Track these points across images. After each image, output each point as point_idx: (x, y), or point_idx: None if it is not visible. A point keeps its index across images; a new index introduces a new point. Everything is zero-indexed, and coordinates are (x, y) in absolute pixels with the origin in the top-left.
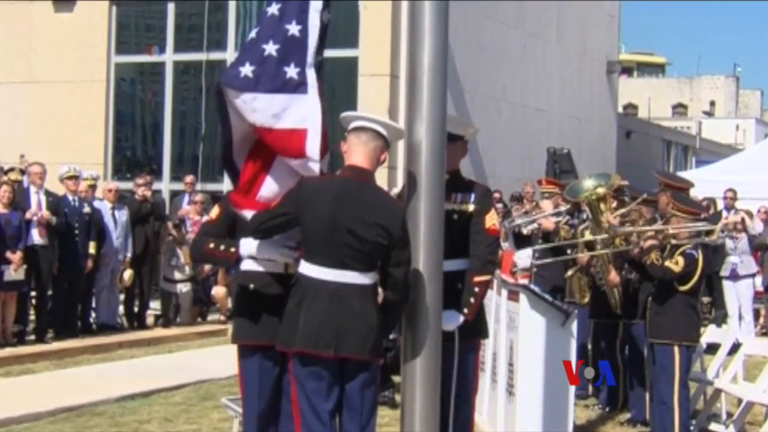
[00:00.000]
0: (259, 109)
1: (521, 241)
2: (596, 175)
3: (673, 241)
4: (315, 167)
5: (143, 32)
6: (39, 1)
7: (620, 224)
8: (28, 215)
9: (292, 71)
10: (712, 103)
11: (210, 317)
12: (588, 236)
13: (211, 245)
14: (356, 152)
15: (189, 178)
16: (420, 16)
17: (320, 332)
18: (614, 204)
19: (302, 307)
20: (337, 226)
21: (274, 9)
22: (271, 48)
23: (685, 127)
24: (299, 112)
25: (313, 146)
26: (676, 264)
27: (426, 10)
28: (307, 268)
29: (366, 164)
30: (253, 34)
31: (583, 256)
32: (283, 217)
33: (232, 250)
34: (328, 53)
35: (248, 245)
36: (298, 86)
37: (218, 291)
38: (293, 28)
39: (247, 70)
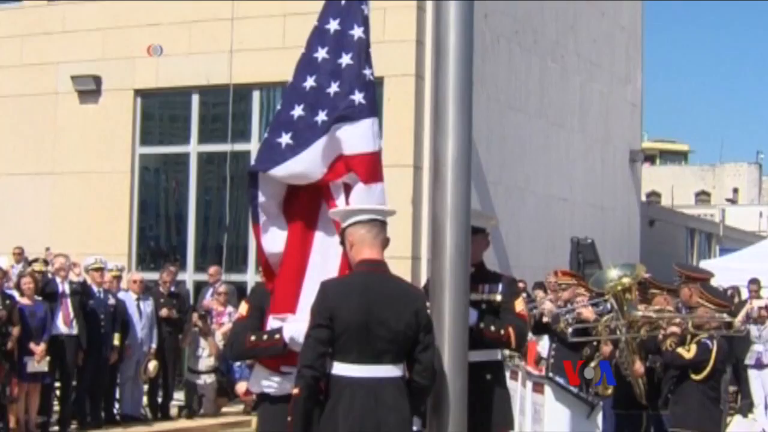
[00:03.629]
0: (375, 133)
1: (541, 328)
2: (621, 265)
3: (693, 330)
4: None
5: (167, 123)
6: (64, 92)
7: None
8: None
9: (358, 96)
10: (736, 191)
11: (233, 408)
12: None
13: (253, 338)
14: (368, 246)
15: (212, 270)
16: (444, 110)
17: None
18: (637, 295)
19: (339, 410)
20: (370, 320)
21: (323, 53)
22: (334, 87)
23: (709, 214)
24: (375, 133)
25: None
26: (688, 351)
27: (450, 104)
28: (342, 369)
29: (380, 256)
30: (312, 82)
31: (607, 347)
32: (324, 329)
33: (277, 336)
34: None
35: (291, 329)
36: (371, 109)
37: (242, 387)
38: (345, 59)
39: (359, 97)
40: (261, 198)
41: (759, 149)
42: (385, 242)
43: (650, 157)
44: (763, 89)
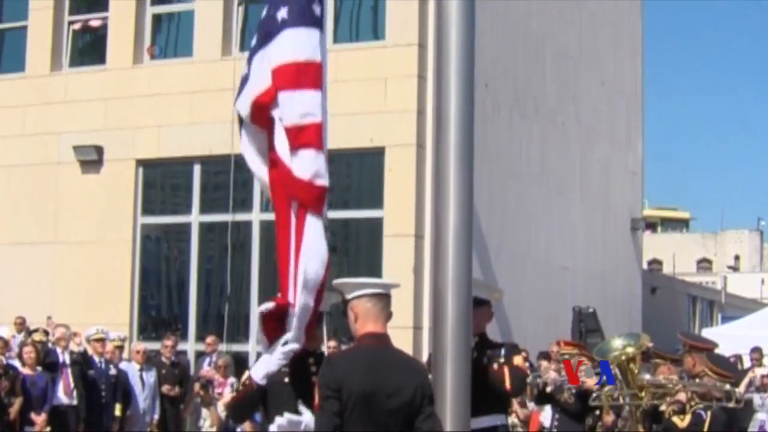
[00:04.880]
0: (300, 42)
1: (544, 398)
2: (625, 335)
3: (697, 399)
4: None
5: (169, 192)
6: (66, 162)
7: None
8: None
9: (282, 12)
10: (737, 258)
11: None
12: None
13: (233, 394)
14: (373, 319)
15: (210, 339)
16: (445, 179)
17: None
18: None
19: None
20: (377, 392)
21: None
22: (271, 11)
23: (710, 282)
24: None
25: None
26: (682, 420)
27: (451, 174)
28: None
29: (384, 329)
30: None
31: (609, 417)
32: (335, 400)
33: (247, 382)
34: (353, 214)
35: (256, 369)
36: (295, 20)
37: None
38: None
39: (282, 13)
40: (245, 139)
41: (760, 216)
42: (390, 315)
43: (651, 225)
44: (764, 156)
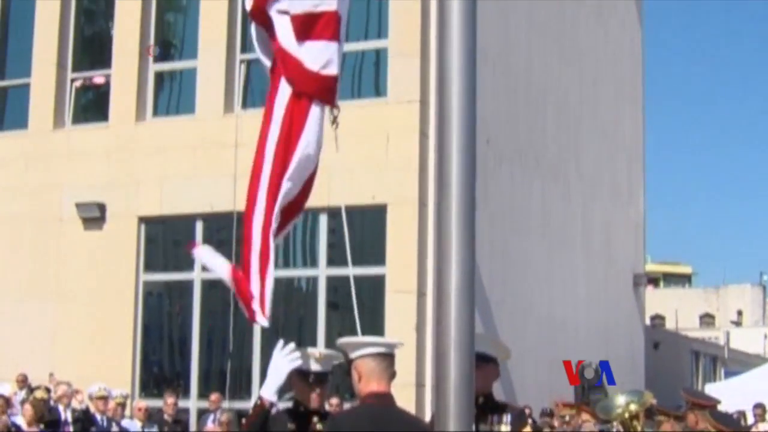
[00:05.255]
0: None
1: None
2: (628, 392)
3: None
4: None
5: (171, 249)
6: (68, 219)
7: None
8: None
9: None
10: (740, 313)
11: None
12: None
13: (243, 420)
14: (377, 379)
15: (214, 396)
16: (446, 237)
17: None
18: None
19: None
20: None
21: None
22: None
23: (713, 337)
24: None
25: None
26: None
27: (452, 231)
28: None
29: (388, 389)
30: None
31: None
32: None
33: (258, 402)
34: (355, 271)
35: (265, 388)
36: None
37: None
38: None
39: None
40: (255, 37)
41: (762, 270)
42: (394, 375)
43: (653, 280)
44: (766, 210)
